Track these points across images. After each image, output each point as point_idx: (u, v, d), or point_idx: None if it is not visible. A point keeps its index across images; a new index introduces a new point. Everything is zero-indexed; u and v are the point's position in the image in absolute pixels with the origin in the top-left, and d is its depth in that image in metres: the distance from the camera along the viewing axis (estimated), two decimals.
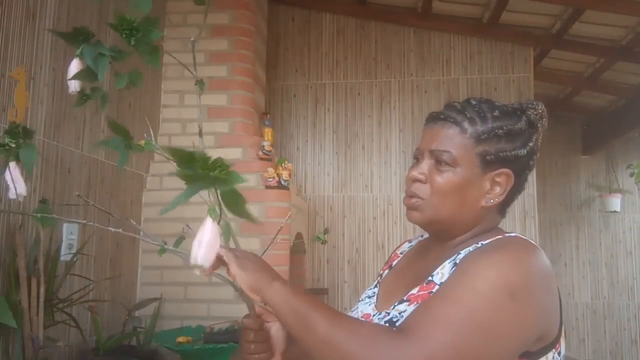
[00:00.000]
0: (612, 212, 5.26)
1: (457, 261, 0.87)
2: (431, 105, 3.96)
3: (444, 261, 0.90)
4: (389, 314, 0.90)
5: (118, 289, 2.56)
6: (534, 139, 0.94)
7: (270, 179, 2.80)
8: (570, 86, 4.73)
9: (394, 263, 1.11)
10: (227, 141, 2.93)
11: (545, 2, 3.36)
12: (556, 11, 3.55)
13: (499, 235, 0.91)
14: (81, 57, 0.97)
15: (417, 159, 0.97)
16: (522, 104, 0.96)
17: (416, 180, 0.94)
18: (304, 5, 4.10)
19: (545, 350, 0.83)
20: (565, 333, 0.88)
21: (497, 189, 0.92)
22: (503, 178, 0.91)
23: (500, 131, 0.89)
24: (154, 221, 2.82)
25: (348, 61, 4.07)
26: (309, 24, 4.13)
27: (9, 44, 1.84)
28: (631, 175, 4.97)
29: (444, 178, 0.90)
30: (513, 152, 0.90)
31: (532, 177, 3.79)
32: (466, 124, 0.91)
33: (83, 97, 0.98)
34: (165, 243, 0.97)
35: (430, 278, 0.89)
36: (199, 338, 2.43)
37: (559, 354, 0.86)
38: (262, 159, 2.93)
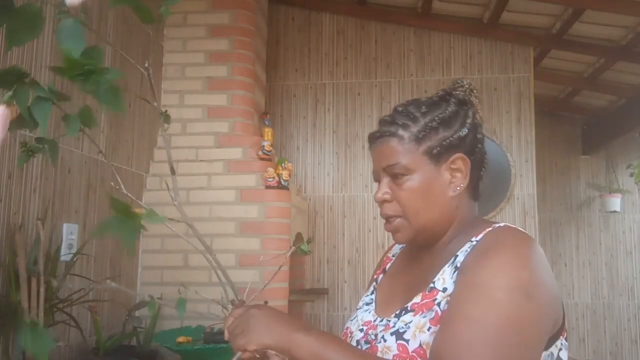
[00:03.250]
0: (612, 212, 5.26)
1: (458, 264, 0.86)
2: None
3: (442, 266, 0.89)
4: (390, 322, 0.90)
5: (118, 289, 2.56)
6: (470, 115, 0.95)
7: (270, 179, 2.80)
8: (570, 86, 4.73)
9: (388, 266, 1.10)
10: (227, 141, 2.93)
11: (545, 2, 3.36)
12: (556, 11, 3.55)
13: (487, 226, 0.90)
14: (12, 104, 0.79)
15: (378, 181, 0.98)
16: (447, 88, 0.97)
17: (383, 200, 0.94)
18: (304, 5, 4.10)
19: (555, 337, 0.84)
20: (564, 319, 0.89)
21: (459, 175, 0.92)
22: (459, 163, 0.92)
23: (434, 123, 0.91)
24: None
25: (348, 61, 4.07)
26: (309, 24, 4.13)
27: None
28: (631, 175, 4.97)
29: (406, 189, 0.91)
30: (455, 136, 0.91)
31: (532, 177, 3.81)
32: (401, 131, 0.92)
33: (27, 151, 0.83)
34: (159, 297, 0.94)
35: (432, 285, 0.88)
36: (199, 338, 2.43)
37: (566, 339, 0.87)
38: (262, 159, 2.93)
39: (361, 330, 0.97)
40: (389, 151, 0.93)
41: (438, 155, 0.91)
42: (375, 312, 0.99)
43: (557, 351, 0.84)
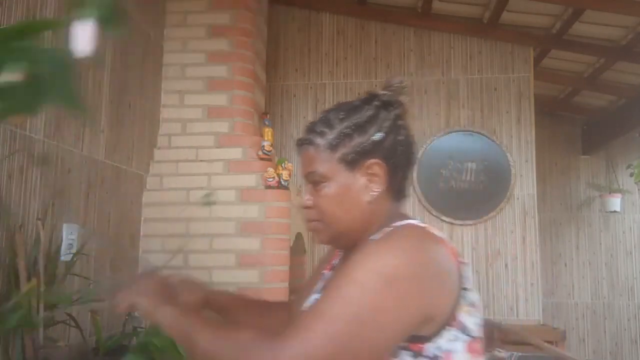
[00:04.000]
0: (612, 212, 5.26)
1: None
2: (431, 105, 3.96)
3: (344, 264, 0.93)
4: None
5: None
6: (391, 117, 0.95)
7: (271, 179, 2.80)
8: (570, 86, 4.73)
9: (335, 262, 1.10)
10: (227, 141, 2.93)
11: (545, 2, 3.36)
12: (556, 11, 3.55)
13: (394, 224, 0.91)
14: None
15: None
16: (376, 90, 0.98)
17: (306, 207, 0.98)
18: (304, 5, 4.10)
19: (439, 331, 0.83)
20: (471, 306, 0.87)
21: (375, 180, 0.93)
22: (375, 168, 0.93)
23: (348, 130, 0.92)
24: (154, 221, 2.82)
25: (348, 61, 4.07)
26: (309, 24, 4.13)
27: None
28: (631, 175, 4.97)
29: (323, 196, 0.94)
30: (369, 141, 0.92)
31: (532, 177, 3.81)
32: (318, 139, 0.94)
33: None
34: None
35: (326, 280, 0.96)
36: None
37: (464, 329, 0.85)
38: (262, 159, 2.93)
39: None
40: (307, 159, 0.95)
41: (353, 162, 0.92)
42: None
43: (447, 343, 0.83)
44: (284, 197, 2.83)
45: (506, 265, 3.77)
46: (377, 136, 0.92)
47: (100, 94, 2.42)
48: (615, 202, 5.21)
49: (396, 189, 0.97)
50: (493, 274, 3.77)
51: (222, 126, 2.97)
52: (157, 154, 2.92)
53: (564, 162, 5.50)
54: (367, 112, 0.94)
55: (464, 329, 0.85)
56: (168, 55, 3.05)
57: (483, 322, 0.89)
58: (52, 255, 1.87)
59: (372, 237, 0.90)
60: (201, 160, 2.89)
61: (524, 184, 3.82)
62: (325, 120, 0.95)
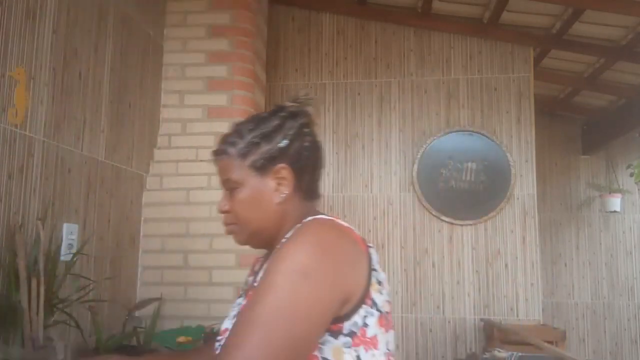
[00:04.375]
0: (612, 212, 5.26)
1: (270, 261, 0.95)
2: (431, 105, 3.96)
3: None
4: (228, 330, 0.97)
5: (118, 289, 2.56)
6: (297, 126, 1.05)
7: None
8: (570, 86, 4.73)
9: (256, 267, 1.15)
10: None
11: (545, 2, 3.36)
12: (556, 11, 3.55)
13: (304, 220, 0.97)
14: None
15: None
16: (284, 102, 1.08)
17: (222, 211, 1.06)
18: (304, 5, 4.10)
19: (355, 309, 0.90)
20: (379, 285, 0.95)
21: (283, 183, 1.03)
22: (283, 172, 1.02)
23: (256, 139, 1.02)
24: (154, 221, 2.82)
25: (348, 61, 4.07)
26: (309, 24, 4.13)
27: (9, 44, 1.84)
28: (631, 175, 4.97)
29: (238, 201, 1.03)
30: (276, 148, 1.02)
31: (532, 177, 3.81)
32: (230, 149, 1.04)
33: None
34: None
35: (254, 284, 1.01)
36: (199, 338, 2.43)
37: (374, 306, 0.92)
38: None
39: (218, 340, 1.02)
40: (222, 168, 1.05)
41: (262, 168, 1.02)
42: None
43: (361, 319, 0.90)
44: None
45: (506, 265, 3.77)
46: (283, 143, 1.02)
47: (100, 94, 2.42)
48: (615, 202, 5.21)
49: (305, 190, 1.06)
50: (493, 274, 3.77)
51: (222, 126, 2.96)
52: (157, 154, 2.92)
53: (564, 162, 5.50)
54: (274, 122, 1.04)
55: (374, 306, 0.92)
56: (168, 55, 3.05)
57: (389, 298, 0.97)
58: (52, 255, 1.87)
59: (286, 236, 0.96)
60: (201, 160, 2.89)
61: (524, 184, 3.82)
62: (237, 132, 1.05)
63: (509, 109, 3.90)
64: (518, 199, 3.81)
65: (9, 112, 1.83)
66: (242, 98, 3.04)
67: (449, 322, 3.76)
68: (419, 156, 3.88)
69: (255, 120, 1.06)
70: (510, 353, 2.75)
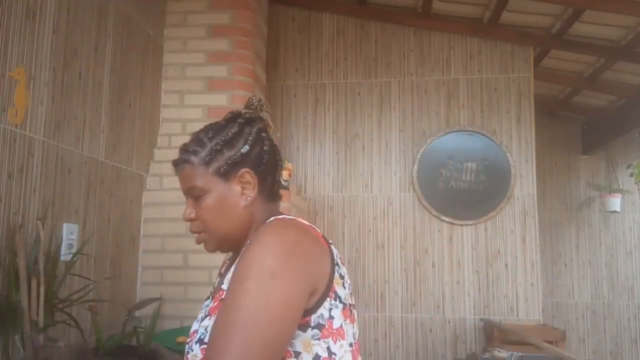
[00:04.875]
0: (612, 212, 5.25)
1: (236, 263, 0.96)
2: (431, 105, 3.96)
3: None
4: (198, 330, 0.98)
5: (118, 289, 2.56)
6: (254, 132, 1.07)
7: None
8: (570, 86, 4.73)
9: (222, 270, 1.17)
10: None
11: (545, 2, 3.36)
12: (556, 11, 3.55)
13: (268, 221, 1.01)
14: None
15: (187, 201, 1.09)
16: (240, 110, 1.10)
17: (189, 220, 1.07)
18: (304, 5, 4.10)
19: (320, 302, 0.93)
20: (342, 278, 0.99)
21: (248, 186, 1.05)
22: (246, 176, 1.04)
23: (218, 146, 1.04)
24: (154, 221, 2.82)
25: (348, 61, 4.07)
26: (309, 24, 4.13)
27: (9, 44, 1.84)
28: (631, 175, 4.97)
29: (204, 208, 1.04)
30: (238, 154, 1.04)
31: (532, 177, 3.81)
32: (192, 158, 1.04)
33: None
34: None
35: (222, 286, 1.01)
36: None
37: (338, 298, 0.96)
38: None
39: (188, 342, 1.03)
40: (186, 176, 1.05)
41: (226, 173, 1.03)
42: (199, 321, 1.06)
43: (327, 311, 0.94)
44: (284, 197, 2.83)
45: (506, 265, 3.77)
46: (245, 149, 1.05)
47: (100, 94, 2.42)
48: (615, 202, 5.21)
49: (268, 192, 1.08)
50: (493, 274, 3.77)
51: None
52: (157, 154, 2.93)
53: (564, 162, 5.50)
54: (233, 129, 1.06)
55: (338, 298, 0.96)
56: (168, 55, 3.05)
57: (350, 290, 1.01)
58: (52, 255, 1.87)
59: (250, 239, 0.99)
60: None
61: (524, 184, 3.82)
62: (197, 140, 1.06)
63: (509, 109, 3.90)
64: (518, 199, 3.81)
65: (9, 112, 1.83)
66: (242, 98, 3.04)
67: (449, 322, 3.76)
68: (419, 156, 3.88)
69: (214, 128, 1.07)
70: (510, 353, 2.75)
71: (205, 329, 0.95)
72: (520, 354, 2.70)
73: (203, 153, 1.04)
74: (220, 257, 2.80)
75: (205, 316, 0.99)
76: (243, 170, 1.04)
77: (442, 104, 3.95)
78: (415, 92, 3.98)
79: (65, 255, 2.05)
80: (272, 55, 3.96)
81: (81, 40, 2.27)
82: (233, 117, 1.09)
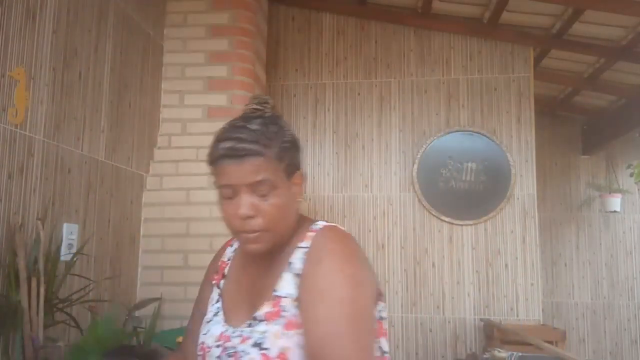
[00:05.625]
0: (612, 212, 5.25)
1: (296, 272, 0.97)
2: (431, 105, 3.96)
3: (280, 272, 0.99)
4: (244, 333, 0.97)
5: (118, 289, 2.56)
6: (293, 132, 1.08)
7: None
8: (570, 86, 4.73)
9: (226, 271, 1.14)
10: None
11: (545, 2, 3.36)
12: (556, 11, 3.55)
13: (307, 230, 1.02)
14: None
15: (230, 197, 1.00)
16: (273, 112, 1.04)
17: (248, 217, 0.98)
18: (304, 5, 4.10)
19: (375, 304, 1.01)
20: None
21: (300, 189, 1.05)
22: (299, 177, 1.05)
23: (287, 143, 1.01)
24: (154, 221, 2.82)
25: (348, 61, 4.07)
26: (309, 24, 4.13)
27: (9, 44, 1.84)
28: (631, 175, 4.96)
29: (272, 204, 0.98)
30: (299, 154, 1.05)
31: (532, 177, 3.81)
32: (265, 150, 0.97)
33: None
34: None
35: (275, 293, 0.97)
36: None
37: (383, 301, 1.05)
38: None
39: (218, 346, 1.00)
40: (255, 169, 0.96)
41: (290, 172, 1.02)
42: (225, 322, 1.03)
43: (378, 313, 1.02)
44: None
45: (506, 265, 3.77)
46: (301, 150, 1.07)
47: (100, 94, 2.42)
48: (615, 202, 5.21)
49: None
50: (493, 274, 3.77)
51: None
52: (157, 154, 2.93)
53: (564, 162, 5.50)
54: (289, 127, 1.04)
55: (383, 301, 1.05)
56: (168, 55, 3.05)
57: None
58: (52, 255, 1.87)
59: (300, 244, 1.00)
60: (201, 160, 2.89)
61: (524, 184, 3.82)
62: (266, 133, 0.98)
63: (509, 109, 3.90)
64: (518, 199, 3.81)
65: (9, 112, 1.83)
66: (242, 98, 3.04)
67: (449, 322, 3.76)
68: (419, 156, 3.88)
69: (270, 122, 1.01)
70: (510, 353, 2.75)
71: (263, 334, 0.94)
72: (520, 354, 2.70)
73: (275, 148, 0.98)
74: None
75: (261, 320, 0.96)
76: (300, 171, 1.05)
77: (442, 104, 3.95)
78: (415, 92, 3.98)
79: (65, 255, 2.05)
80: (272, 55, 3.96)
81: (81, 40, 2.27)
82: (277, 115, 1.05)
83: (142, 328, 2.38)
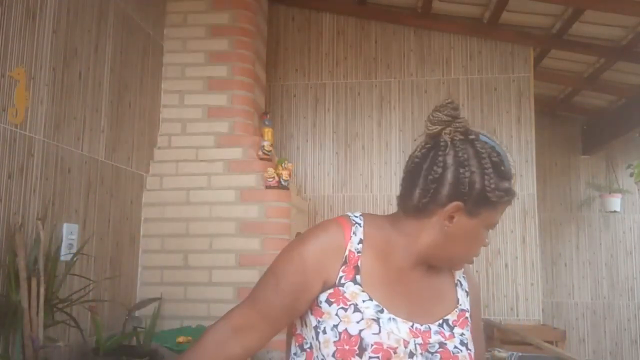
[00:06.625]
0: (612, 212, 5.25)
1: (466, 289, 1.11)
2: (431, 105, 3.93)
3: (451, 285, 1.10)
4: (445, 331, 1.02)
5: (118, 289, 2.56)
6: None
7: (270, 179, 2.80)
8: (570, 86, 4.73)
9: (359, 263, 1.00)
10: (227, 141, 2.93)
11: (545, 2, 3.36)
12: (556, 11, 3.55)
13: None
14: None
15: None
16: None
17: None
18: (304, 5, 4.10)
19: None
20: None
21: None
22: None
23: None
24: (154, 221, 2.82)
25: (348, 61, 4.07)
26: (309, 24, 4.13)
27: (9, 44, 1.84)
28: (631, 175, 4.96)
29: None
30: None
31: (532, 177, 3.81)
32: None
33: None
34: None
35: (461, 306, 1.08)
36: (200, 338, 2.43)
37: None
38: (262, 159, 2.93)
39: (413, 342, 0.96)
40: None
41: None
42: (407, 319, 0.98)
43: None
44: (284, 197, 2.83)
45: (506, 265, 3.77)
46: None
47: (100, 94, 2.42)
48: (615, 202, 5.21)
49: None
50: (493, 274, 3.77)
51: (222, 126, 2.97)
52: (157, 154, 2.92)
53: (564, 162, 5.50)
54: None
55: None
56: (168, 55, 3.05)
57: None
58: (52, 255, 1.87)
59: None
60: (201, 160, 2.89)
61: (524, 184, 3.82)
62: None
63: (509, 109, 3.90)
64: (518, 199, 3.81)
65: (9, 112, 1.83)
66: (242, 98, 3.04)
67: None
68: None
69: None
70: (510, 353, 2.75)
71: (464, 336, 1.03)
72: (520, 354, 2.70)
73: None
74: (221, 257, 2.77)
75: (454, 324, 1.05)
76: None
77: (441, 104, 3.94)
78: (415, 92, 3.98)
79: (65, 255, 2.05)
80: (272, 55, 3.96)
81: (81, 40, 2.27)
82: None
83: (142, 328, 2.38)
